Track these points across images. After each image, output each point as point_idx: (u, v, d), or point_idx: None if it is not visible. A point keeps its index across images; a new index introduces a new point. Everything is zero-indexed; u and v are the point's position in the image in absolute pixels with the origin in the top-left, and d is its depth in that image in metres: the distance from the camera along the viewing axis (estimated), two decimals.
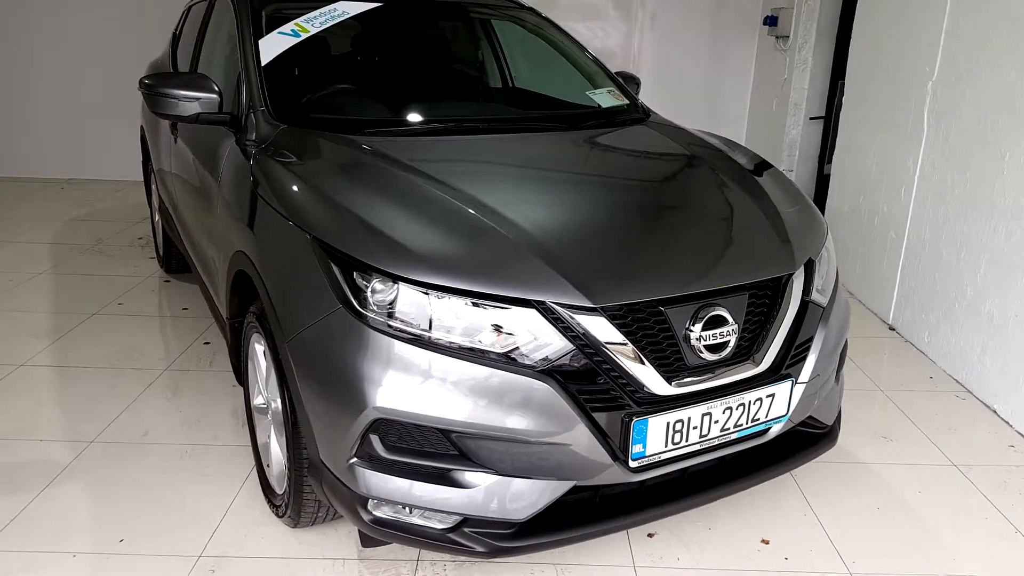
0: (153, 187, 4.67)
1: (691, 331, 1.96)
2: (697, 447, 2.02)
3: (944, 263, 3.73)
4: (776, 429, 2.18)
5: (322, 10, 3.01)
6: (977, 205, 3.48)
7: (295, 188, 2.24)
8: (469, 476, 1.88)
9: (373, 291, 1.88)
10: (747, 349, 2.09)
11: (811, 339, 2.22)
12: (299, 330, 1.99)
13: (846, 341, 2.49)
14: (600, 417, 1.88)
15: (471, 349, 1.85)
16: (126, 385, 3.35)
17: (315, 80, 3.09)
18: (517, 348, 1.85)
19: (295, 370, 2.00)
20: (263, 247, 2.24)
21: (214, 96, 2.66)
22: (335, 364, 1.90)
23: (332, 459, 1.96)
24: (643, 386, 1.90)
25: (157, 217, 4.71)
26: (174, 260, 4.58)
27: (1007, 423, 3.24)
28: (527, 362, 1.85)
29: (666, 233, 2.26)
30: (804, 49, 5.83)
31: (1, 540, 2.37)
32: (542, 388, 1.83)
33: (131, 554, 2.33)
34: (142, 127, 4.73)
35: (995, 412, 3.32)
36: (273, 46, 2.82)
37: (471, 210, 2.08)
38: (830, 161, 5.25)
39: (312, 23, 2.95)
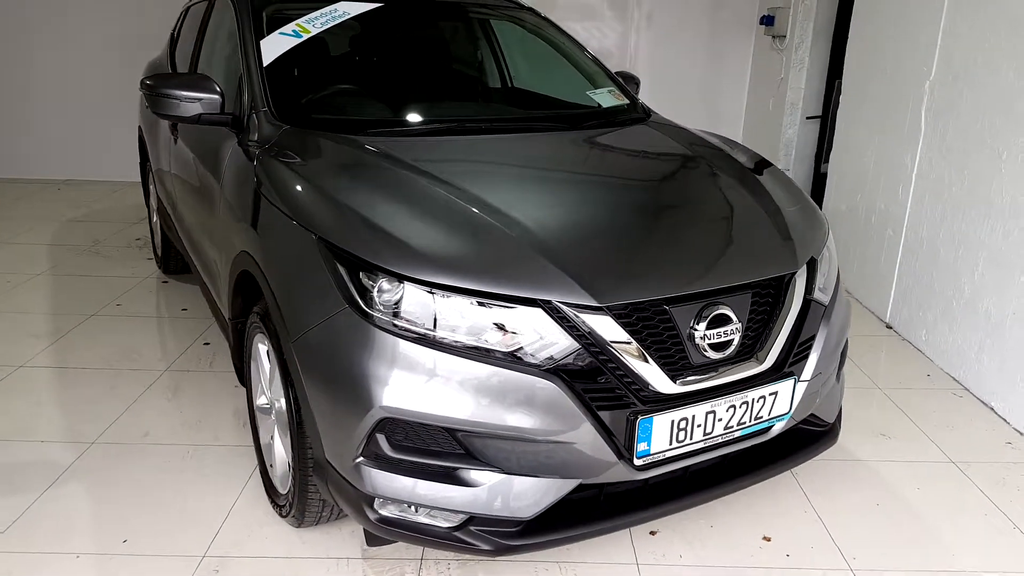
0: (151, 188, 4.67)
1: (695, 330, 1.97)
2: (701, 445, 2.04)
3: (942, 261, 3.75)
4: (779, 427, 2.19)
5: (323, 10, 3.01)
6: (975, 204, 3.50)
7: (300, 188, 2.24)
8: (475, 475, 1.89)
9: (379, 291, 1.89)
10: (750, 347, 2.10)
11: (813, 337, 2.23)
12: (305, 330, 2.00)
13: (847, 340, 2.50)
14: (605, 416, 1.89)
15: (477, 348, 1.86)
16: (126, 386, 3.35)
17: (317, 81, 3.09)
18: (523, 347, 1.86)
19: (301, 370, 2.01)
20: (268, 247, 2.24)
21: (216, 97, 2.66)
22: (341, 364, 1.90)
23: (338, 458, 1.97)
24: (648, 384, 1.91)
25: (155, 218, 4.70)
26: (172, 261, 4.57)
27: (1004, 420, 3.26)
28: (533, 361, 1.86)
29: (670, 232, 2.27)
30: (801, 49, 5.85)
31: (4, 541, 2.37)
32: (548, 387, 1.84)
33: (134, 555, 2.33)
34: (140, 128, 4.72)
35: (992, 409, 3.35)
36: (274, 47, 2.83)
37: (476, 210, 2.09)
38: (827, 160, 5.27)
39: (313, 23, 2.96)
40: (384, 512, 1.95)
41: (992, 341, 3.37)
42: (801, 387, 2.19)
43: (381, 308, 1.89)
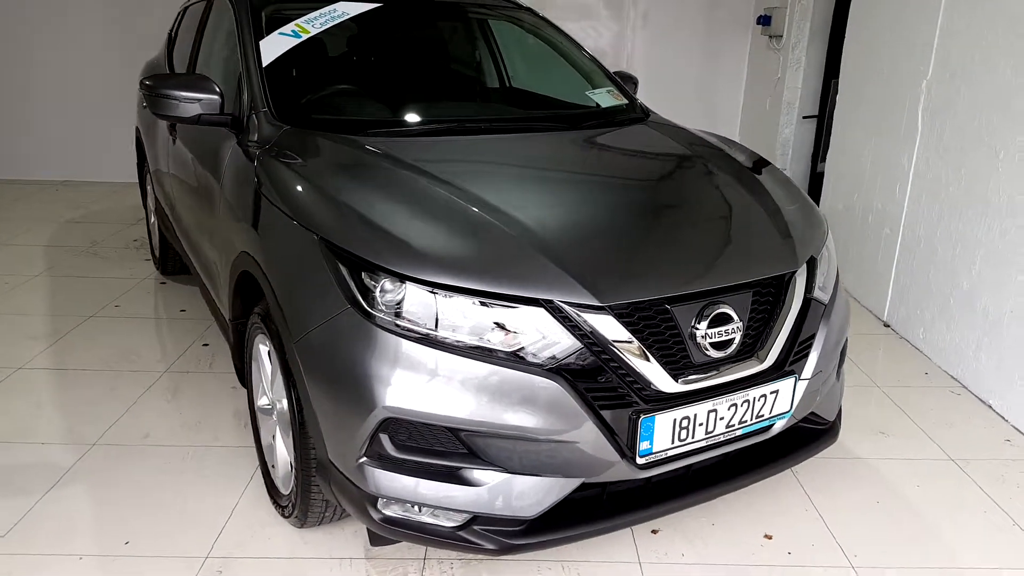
0: (149, 188, 4.66)
1: (697, 329, 1.98)
2: (703, 443, 2.04)
3: (939, 260, 3.77)
4: (779, 425, 2.20)
5: (322, 11, 3.01)
6: (972, 202, 3.52)
7: (301, 189, 2.25)
8: (478, 474, 1.89)
9: (382, 291, 1.89)
10: (751, 346, 2.11)
11: (813, 336, 2.24)
12: (307, 330, 2.00)
13: (846, 338, 2.51)
14: (608, 415, 1.89)
15: (479, 348, 1.86)
16: (126, 387, 3.35)
17: (317, 81, 3.09)
18: (525, 347, 1.87)
19: (303, 370, 2.01)
20: (269, 248, 2.24)
21: (215, 97, 2.66)
22: (344, 364, 1.91)
23: (341, 459, 1.97)
24: (650, 383, 1.92)
25: (153, 219, 4.69)
26: (171, 262, 4.57)
27: (1003, 418, 3.28)
28: (535, 361, 1.86)
29: (670, 232, 2.28)
30: (797, 48, 5.87)
31: (7, 543, 2.36)
32: (551, 386, 1.85)
33: (137, 556, 2.33)
34: (137, 128, 4.71)
35: (990, 407, 3.36)
36: (274, 47, 2.82)
37: (477, 210, 2.09)
38: (824, 159, 5.28)
39: (312, 24, 2.96)
40: (388, 512, 1.95)
41: (990, 339, 3.39)
42: (802, 385, 2.20)
43: (383, 308, 1.89)
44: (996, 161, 3.34)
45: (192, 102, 2.64)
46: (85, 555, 2.32)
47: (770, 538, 2.48)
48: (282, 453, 2.41)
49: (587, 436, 1.88)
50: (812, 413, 2.36)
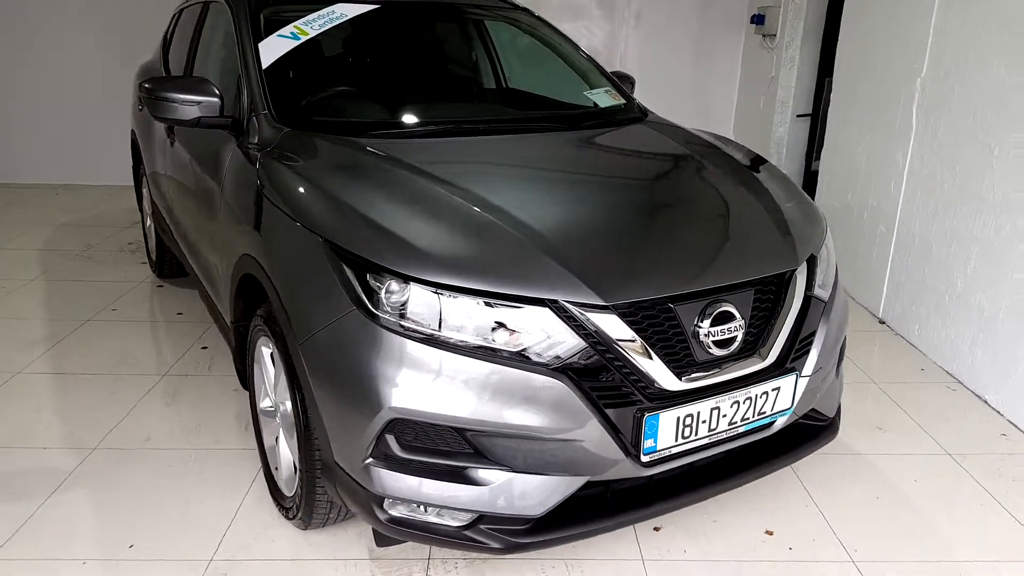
0: (144, 191, 4.65)
1: (700, 327, 1.99)
2: (706, 441, 2.06)
3: (934, 257, 3.80)
4: (781, 422, 2.21)
5: (320, 12, 3.01)
6: (966, 199, 3.55)
7: (305, 191, 2.25)
8: (484, 474, 1.90)
9: (388, 292, 1.90)
10: (753, 344, 2.12)
11: (814, 333, 2.26)
12: (312, 332, 2.00)
13: (845, 335, 2.53)
14: (612, 413, 1.91)
15: (484, 348, 1.87)
16: (125, 391, 3.34)
17: (316, 83, 3.10)
18: (530, 347, 1.88)
19: (308, 372, 2.02)
20: (272, 250, 2.25)
21: (215, 100, 2.66)
22: (350, 365, 1.91)
23: (347, 460, 1.98)
24: (654, 382, 1.93)
25: (149, 222, 4.68)
26: (167, 265, 4.56)
27: (998, 412, 3.31)
28: (540, 360, 1.88)
29: (672, 231, 2.29)
30: (791, 47, 5.89)
31: (10, 548, 2.36)
32: (556, 385, 1.86)
33: (142, 559, 2.33)
34: (133, 131, 4.70)
35: (986, 402, 3.39)
36: (273, 49, 2.83)
37: (481, 211, 2.10)
38: (818, 158, 5.32)
39: (311, 25, 2.96)
40: (394, 512, 1.96)
41: (985, 335, 3.42)
42: (802, 382, 2.21)
43: (389, 309, 1.90)
44: (991, 158, 3.37)
45: (191, 105, 2.64)
46: (89, 559, 2.32)
47: (771, 534, 2.50)
48: (286, 455, 2.41)
49: (592, 435, 1.90)
50: (812, 410, 2.38)
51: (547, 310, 1.88)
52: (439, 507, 1.94)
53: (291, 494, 2.39)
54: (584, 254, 2.01)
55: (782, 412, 2.19)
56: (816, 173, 5.23)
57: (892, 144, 4.16)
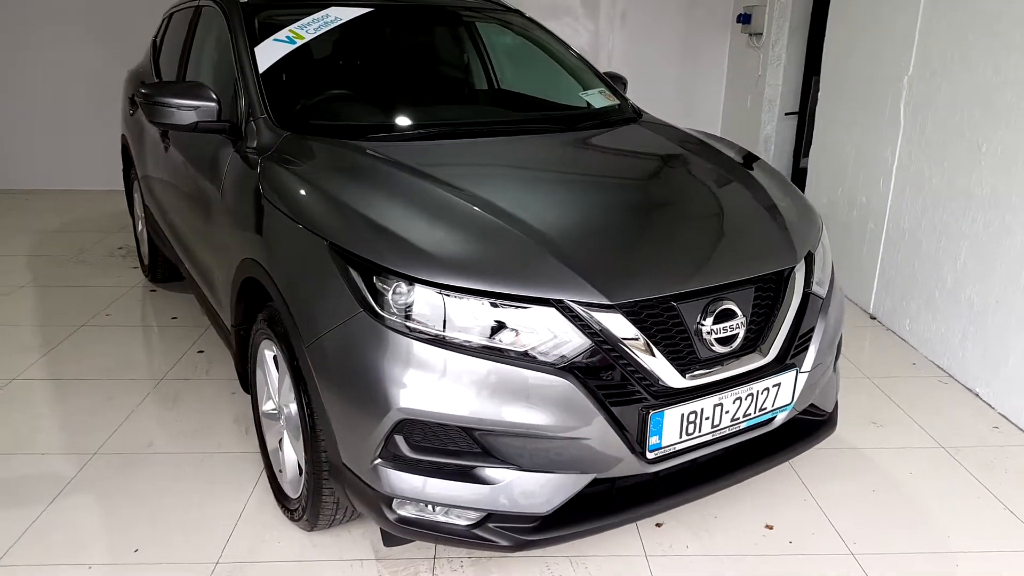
0: (136, 196, 4.63)
1: (702, 325, 2.02)
2: (709, 437, 2.09)
3: (924, 252, 3.85)
4: (781, 417, 2.25)
5: (315, 16, 3.02)
6: (955, 195, 3.60)
7: (308, 194, 2.26)
8: (493, 472, 1.92)
9: (395, 294, 1.91)
10: (753, 341, 2.16)
11: (812, 330, 2.30)
12: (318, 335, 2.01)
13: (841, 331, 2.57)
14: (618, 411, 1.93)
15: (491, 348, 1.89)
16: (123, 396, 3.34)
17: (314, 86, 3.10)
18: (536, 346, 1.90)
19: (315, 375, 2.03)
20: (275, 254, 2.26)
21: (212, 104, 2.66)
22: (357, 367, 1.93)
23: (355, 461, 1.99)
24: (659, 379, 1.96)
25: (141, 226, 4.67)
26: (160, 269, 4.54)
27: (990, 405, 3.36)
28: (546, 360, 1.90)
29: (673, 230, 2.32)
30: (777, 46, 5.95)
31: (14, 554, 2.36)
32: (562, 384, 1.88)
33: (147, 563, 2.33)
34: (123, 136, 4.68)
35: (977, 395, 3.44)
36: (269, 53, 2.83)
37: (485, 212, 2.12)
38: (806, 155, 5.37)
39: (306, 29, 2.97)
40: (402, 512, 1.98)
41: (975, 329, 3.47)
42: (802, 378, 2.25)
43: (396, 311, 1.91)
44: (978, 155, 3.42)
45: (189, 110, 2.64)
46: (95, 564, 2.32)
47: (771, 528, 2.54)
48: (290, 457, 2.42)
49: (598, 432, 1.92)
50: (811, 405, 2.42)
51: (553, 310, 1.90)
52: (448, 506, 1.95)
53: (296, 496, 2.40)
54: (588, 254, 2.04)
55: (783, 408, 2.22)
56: (804, 170, 5.28)
57: (880, 141, 4.21)
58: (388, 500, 1.96)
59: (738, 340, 2.08)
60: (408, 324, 1.91)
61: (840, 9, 4.72)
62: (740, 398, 2.10)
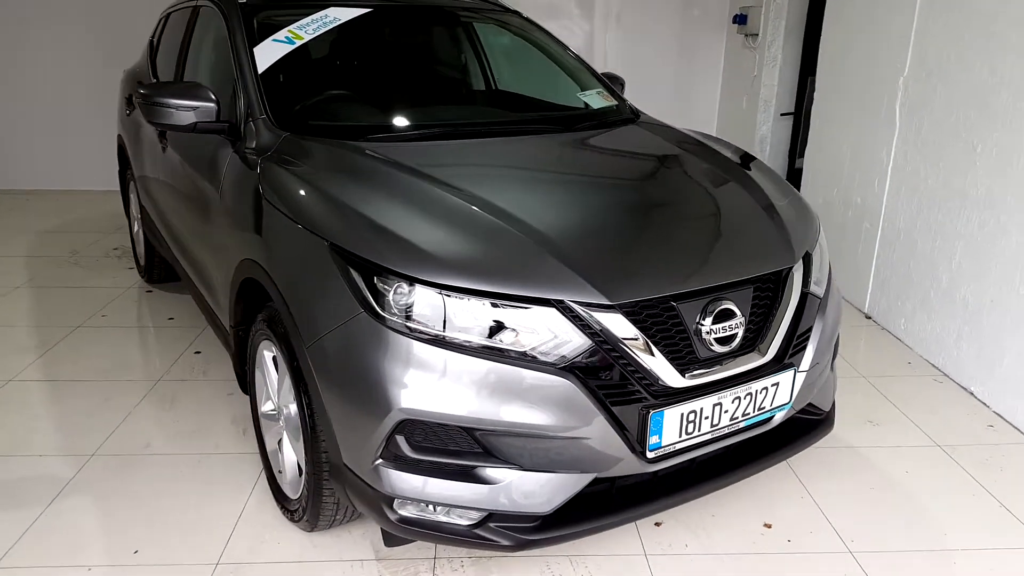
0: (132, 197, 4.62)
1: (702, 325, 2.03)
2: (709, 436, 2.10)
3: (919, 252, 3.87)
4: (780, 416, 2.26)
5: (313, 17, 3.02)
6: (950, 196, 3.62)
7: (308, 195, 2.26)
8: (494, 472, 1.93)
9: (396, 295, 1.92)
10: (752, 340, 2.17)
11: (810, 329, 2.31)
12: (319, 336, 2.02)
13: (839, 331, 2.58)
14: (618, 410, 1.94)
15: (493, 348, 1.89)
16: (120, 397, 3.33)
17: (313, 87, 3.10)
18: (537, 346, 1.90)
19: (316, 375, 2.03)
20: (276, 254, 2.26)
21: (211, 105, 2.66)
22: (358, 368, 1.93)
23: (356, 461, 2.00)
24: (658, 379, 1.97)
25: (137, 227, 4.66)
26: (156, 270, 4.54)
27: (984, 404, 3.38)
28: (547, 359, 1.90)
29: (672, 230, 2.33)
30: (773, 46, 5.97)
31: (13, 556, 2.35)
32: (563, 384, 1.89)
33: (147, 564, 2.33)
34: (120, 136, 4.67)
35: (972, 394, 3.46)
36: (268, 54, 2.83)
37: (486, 213, 2.13)
38: (801, 155, 5.39)
39: (305, 30, 2.97)
40: (404, 512, 1.98)
41: (970, 328, 3.49)
42: (800, 377, 2.26)
43: (397, 312, 1.92)
44: (974, 155, 3.44)
45: (188, 110, 2.64)
46: (94, 566, 2.32)
47: (769, 527, 2.55)
48: (290, 458, 2.42)
49: (599, 432, 1.93)
50: (809, 404, 2.43)
51: (554, 310, 1.91)
52: (449, 506, 1.96)
53: (296, 496, 2.40)
54: (588, 255, 2.04)
55: (781, 407, 2.23)
56: (800, 171, 5.30)
57: (876, 142, 4.23)
58: (389, 500, 1.96)
59: (737, 340, 2.09)
60: (408, 324, 1.91)
61: (836, 10, 4.74)
62: (739, 397, 2.11)
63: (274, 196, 2.33)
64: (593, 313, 1.92)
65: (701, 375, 2.04)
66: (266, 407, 2.56)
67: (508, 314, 1.91)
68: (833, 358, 2.55)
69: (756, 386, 2.13)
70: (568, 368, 1.91)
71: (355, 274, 1.98)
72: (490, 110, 3.71)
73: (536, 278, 1.94)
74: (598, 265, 2.01)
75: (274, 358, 2.42)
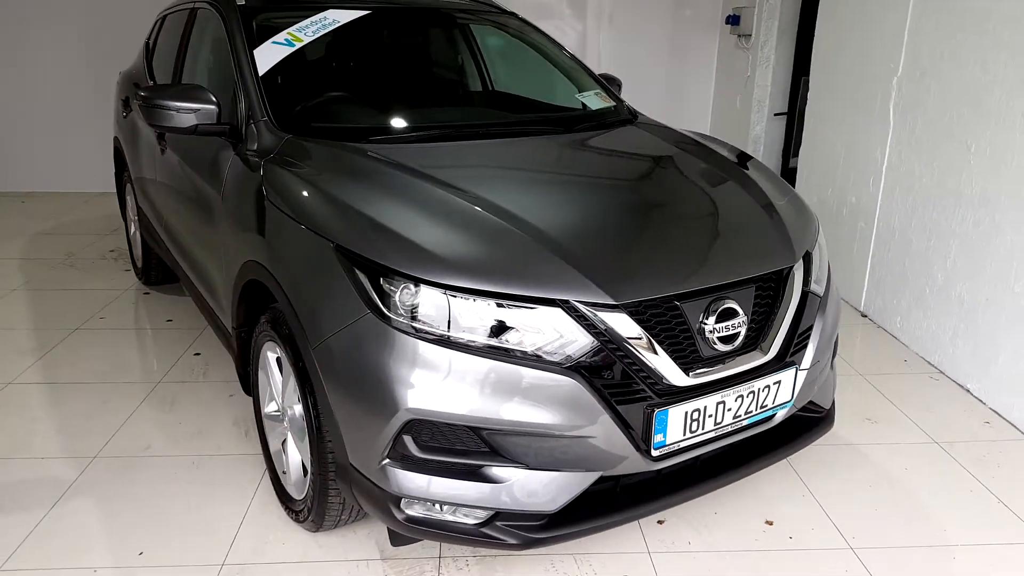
0: (129, 199, 4.61)
1: (705, 324, 2.05)
2: (712, 434, 2.12)
3: (914, 250, 3.90)
4: (781, 414, 2.28)
5: (313, 19, 3.03)
6: (944, 195, 3.65)
7: (313, 197, 2.27)
8: (500, 471, 1.94)
9: (402, 296, 1.93)
10: (754, 339, 2.19)
11: (811, 328, 2.33)
12: (325, 337, 2.03)
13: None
14: (623, 409, 1.96)
15: (499, 348, 1.91)
16: (120, 399, 3.33)
17: (314, 89, 3.11)
18: (543, 346, 1.92)
19: (322, 376, 2.04)
20: (280, 256, 2.27)
21: (212, 107, 2.66)
22: (365, 368, 1.94)
23: (362, 461, 2.01)
24: (663, 378, 1.99)
25: (134, 229, 4.65)
26: (154, 272, 4.53)
27: (981, 401, 3.41)
28: (553, 359, 1.92)
29: (674, 230, 2.35)
30: (766, 47, 6.00)
31: (18, 558, 2.35)
32: (569, 384, 1.90)
33: (153, 566, 2.33)
34: (116, 138, 4.66)
35: (968, 391, 3.50)
36: (268, 56, 2.84)
37: (490, 214, 2.14)
38: (795, 155, 5.42)
39: (304, 32, 2.97)
40: (411, 512, 1.99)
41: (966, 326, 3.52)
42: (802, 375, 2.28)
43: (404, 313, 1.93)
44: (968, 155, 3.47)
45: (189, 112, 2.64)
46: (100, 567, 2.32)
47: (771, 524, 2.57)
48: (294, 459, 2.43)
49: (604, 431, 1.94)
50: (810, 402, 2.46)
51: (559, 310, 1.92)
52: (456, 505, 1.97)
53: (301, 497, 2.40)
54: (592, 255, 2.06)
55: (783, 405, 2.25)
56: (794, 170, 5.33)
57: (870, 141, 4.26)
58: (396, 500, 1.97)
59: (739, 338, 2.11)
60: (414, 325, 1.92)
61: (829, 10, 4.77)
62: (742, 396, 2.13)
63: (277, 198, 2.34)
64: (598, 313, 1.93)
65: (704, 374, 2.06)
66: (269, 408, 2.56)
67: (514, 314, 1.92)
68: (833, 356, 2.57)
69: (758, 384, 2.15)
70: (573, 368, 1.92)
71: (361, 275, 1.99)
72: (490, 111, 3.72)
73: (542, 278, 1.95)
74: (602, 265, 2.02)
75: (278, 359, 2.43)
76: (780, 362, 2.22)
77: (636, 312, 1.97)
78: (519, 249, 2.03)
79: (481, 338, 1.91)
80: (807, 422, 2.51)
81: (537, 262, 2.00)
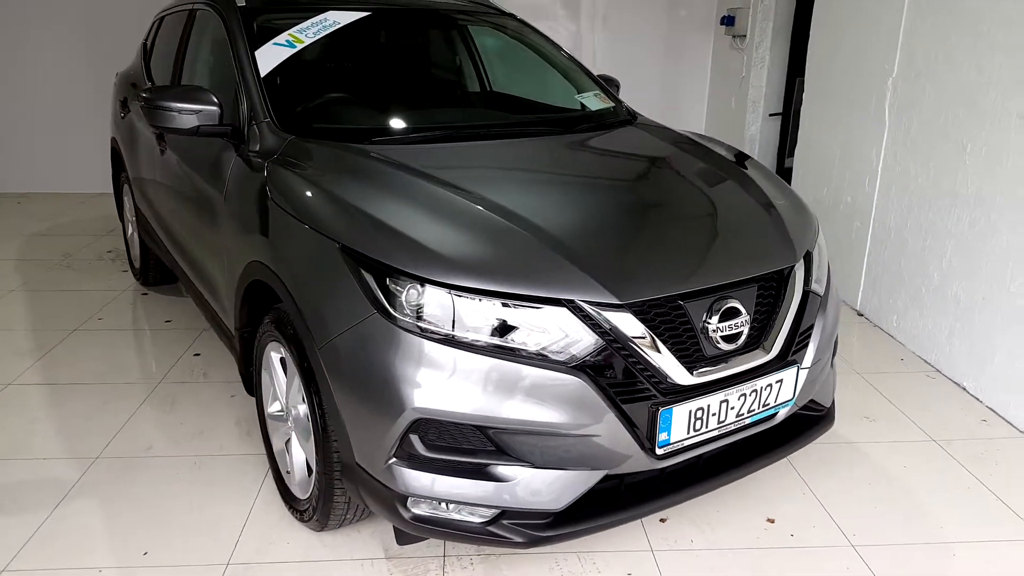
0: (127, 200, 4.61)
1: (708, 323, 2.07)
2: (715, 433, 2.13)
3: (910, 250, 3.93)
4: (783, 413, 2.30)
5: (313, 20, 3.03)
6: (940, 195, 3.68)
7: (318, 198, 2.28)
8: (506, 470, 1.95)
9: (409, 296, 1.94)
10: (756, 338, 2.20)
11: (812, 327, 2.35)
12: (331, 337, 2.03)
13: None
14: (628, 408, 1.97)
15: (505, 348, 1.92)
16: (121, 400, 3.33)
17: (316, 89, 3.11)
18: (548, 345, 1.93)
19: (328, 376, 2.05)
20: (285, 257, 2.27)
21: (214, 108, 2.67)
22: (371, 368, 1.95)
23: (369, 461, 2.02)
24: (667, 377, 2.00)
25: (131, 230, 4.64)
26: (152, 272, 4.52)
27: (977, 399, 3.44)
28: (558, 358, 1.93)
29: (677, 230, 2.37)
30: (761, 47, 6.03)
31: (21, 559, 2.35)
32: (574, 383, 1.92)
33: (158, 566, 2.34)
34: (113, 139, 4.65)
35: (965, 390, 3.53)
36: (270, 57, 2.84)
37: (495, 214, 2.16)
38: (791, 155, 5.45)
39: (305, 33, 2.98)
40: (417, 511, 2.00)
41: (962, 325, 3.55)
42: (803, 374, 2.30)
43: (411, 313, 1.94)
44: (963, 155, 3.50)
45: (190, 114, 2.65)
46: (105, 568, 2.32)
47: (772, 522, 2.59)
48: (298, 458, 2.44)
49: (609, 429, 1.96)
50: (811, 400, 2.48)
51: (564, 310, 1.94)
52: (462, 504, 1.98)
53: (305, 496, 2.41)
54: (596, 255, 2.08)
55: (784, 403, 2.27)
56: (789, 170, 5.37)
57: (865, 142, 4.29)
58: (403, 499, 1.98)
59: (742, 338, 2.13)
60: (420, 324, 1.93)
61: (824, 10, 4.80)
62: (744, 394, 2.15)
63: (282, 199, 2.34)
64: (603, 312, 1.95)
65: (708, 372, 2.08)
66: (273, 408, 2.57)
67: (519, 314, 1.93)
68: (833, 355, 2.60)
69: (761, 383, 2.17)
70: (579, 367, 1.94)
71: (367, 276, 2.00)
72: (491, 112, 3.74)
73: (547, 278, 1.97)
74: (607, 265, 2.04)
75: (282, 359, 2.44)
76: (782, 361, 2.24)
77: (640, 312, 1.99)
78: (524, 249, 2.05)
79: (487, 337, 1.93)
80: (808, 420, 2.53)
81: (542, 262, 2.01)
